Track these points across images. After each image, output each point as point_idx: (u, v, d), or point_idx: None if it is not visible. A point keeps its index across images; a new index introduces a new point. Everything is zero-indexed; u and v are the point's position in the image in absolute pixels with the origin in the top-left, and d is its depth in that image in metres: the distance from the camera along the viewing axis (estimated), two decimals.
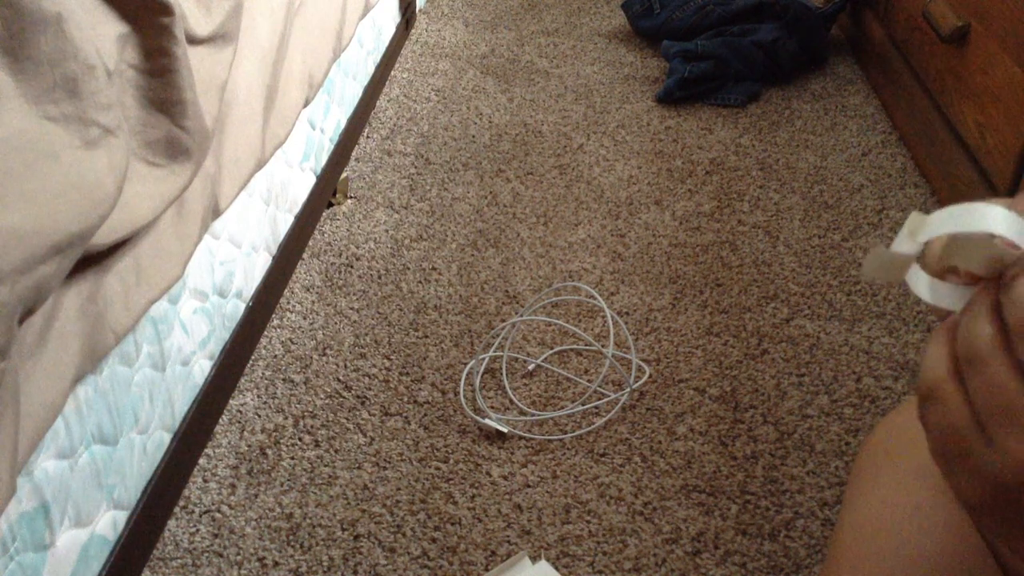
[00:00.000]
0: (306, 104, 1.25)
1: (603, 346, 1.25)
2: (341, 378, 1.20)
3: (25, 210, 0.60)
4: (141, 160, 0.79)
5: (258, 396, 1.17)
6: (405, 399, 1.17)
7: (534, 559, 0.97)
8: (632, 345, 1.25)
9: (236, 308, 1.09)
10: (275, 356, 1.24)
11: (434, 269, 1.40)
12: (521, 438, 1.12)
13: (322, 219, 1.51)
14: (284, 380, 1.20)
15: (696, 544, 0.99)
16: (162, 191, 0.80)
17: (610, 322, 1.29)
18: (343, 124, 1.52)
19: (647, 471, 1.07)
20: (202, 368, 1.01)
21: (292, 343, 1.26)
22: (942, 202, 1.53)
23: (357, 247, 1.45)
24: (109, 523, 0.82)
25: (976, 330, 0.33)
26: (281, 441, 1.11)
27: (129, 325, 0.78)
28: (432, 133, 1.77)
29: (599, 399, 1.17)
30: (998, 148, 1.33)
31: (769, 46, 1.92)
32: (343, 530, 1.00)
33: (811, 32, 1.97)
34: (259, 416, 1.14)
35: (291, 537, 1.00)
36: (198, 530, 1.00)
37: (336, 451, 1.10)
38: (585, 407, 1.16)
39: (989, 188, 1.36)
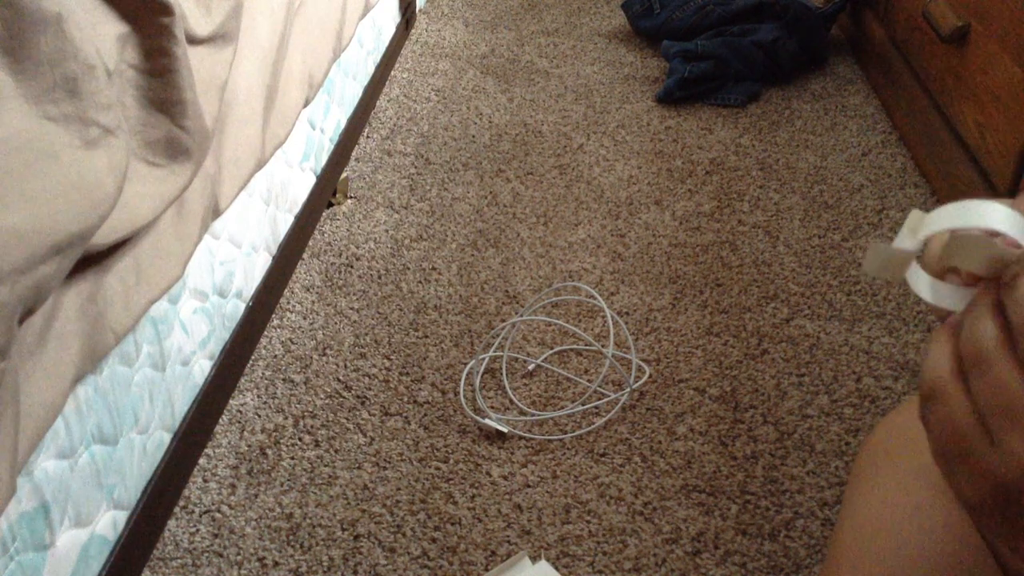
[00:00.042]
0: (306, 104, 1.25)
1: (603, 346, 1.25)
2: (341, 378, 1.20)
3: (25, 210, 0.60)
4: (141, 160, 0.79)
5: (258, 396, 1.17)
6: (405, 399, 1.17)
7: (534, 559, 0.97)
8: (632, 345, 1.25)
9: (236, 308, 1.09)
10: (275, 356, 1.24)
11: (434, 269, 1.40)
12: (521, 438, 1.12)
13: (322, 219, 1.51)
14: (284, 380, 1.20)
15: (696, 544, 0.99)
16: (162, 191, 0.80)
17: (610, 322, 1.29)
18: (343, 124, 1.52)
19: (647, 471, 1.07)
20: (202, 368, 1.01)
21: (292, 343, 1.26)
22: (942, 202, 1.53)
23: (357, 247, 1.45)
24: (109, 523, 0.82)
25: (980, 330, 0.33)
26: (281, 441, 1.11)
27: (129, 325, 0.78)
28: (432, 133, 1.77)
29: (599, 399, 1.17)
30: (998, 148, 1.33)
31: (769, 46, 1.92)
32: (343, 530, 1.00)
33: (811, 32, 1.97)
34: (259, 416, 1.14)
35: (291, 537, 1.00)
36: (198, 530, 1.00)
37: (336, 451, 1.10)
38: (585, 407, 1.16)
39: (989, 188, 1.36)
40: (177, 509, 1.02)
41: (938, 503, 0.50)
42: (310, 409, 1.15)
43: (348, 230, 1.49)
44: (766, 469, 1.07)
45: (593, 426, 1.13)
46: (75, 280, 0.72)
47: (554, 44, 2.16)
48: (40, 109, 0.64)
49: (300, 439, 1.11)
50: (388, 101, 1.89)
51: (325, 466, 1.08)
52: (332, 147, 1.46)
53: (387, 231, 1.49)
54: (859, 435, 1.11)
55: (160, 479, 0.90)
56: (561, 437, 1.12)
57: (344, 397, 1.17)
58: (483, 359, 1.23)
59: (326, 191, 1.44)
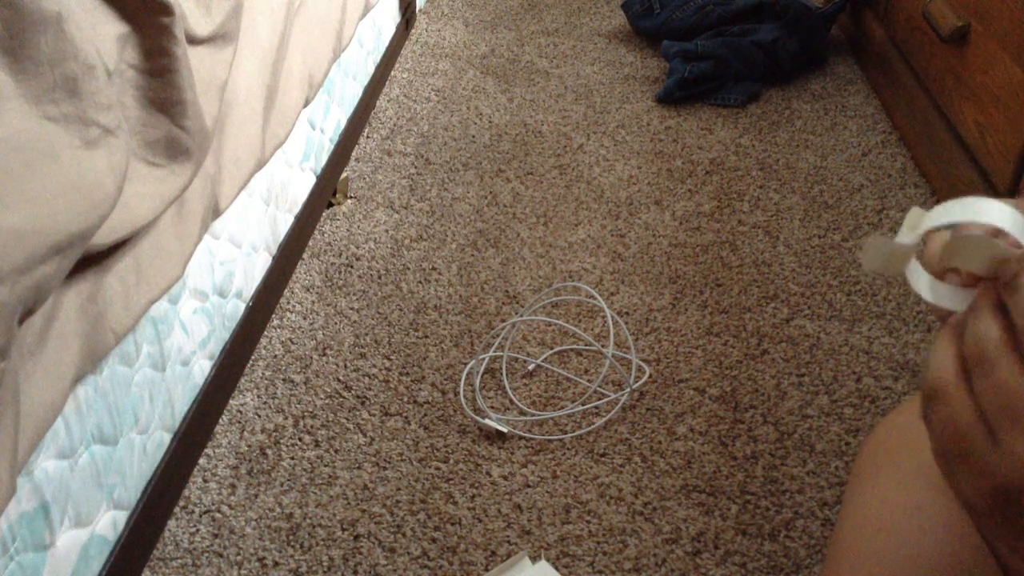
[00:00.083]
0: (306, 104, 1.25)
1: (603, 346, 1.25)
2: (341, 378, 1.20)
3: (25, 210, 0.60)
4: (141, 160, 0.79)
5: (258, 396, 1.17)
6: (405, 399, 1.17)
7: (534, 559, 0.97)
8: (632, 345, 1.25)
9: (236, 308, 1.09)
10: (275, 356, 1.24)
11: (434, 269, 1.40)
12: (521, 438, 1.12)
13: (322, 219, 1.51)
14: (284, 380, 1.20)
15: (696, 544, 0.99)
16: (162, 191, 0.80)
17: (610, 322, 1.29)
18: (343, 124, 1.52)
19: (647, 471, 1.07)
20: (202, 368, 1.01)
21: (292, 343, 1.26)
22: (942, 202, 1.53)
23: (357, 247, 1.45)
24: (109, 523, 0.82)
25: (983, 331, 0.33)
26: (281, 441, 1.11)
27: (129, 325, 0.78)
28: (432, 133, 1.77)
29: (599, 399, 1.17)
30: (998, 148, 1.33)
31: (769, 46, 1.92)
32: (343, 530, 1.00)
33: (811, 32, 1.97)
34: (259, 416, 1.14)
35: (291, 537, 1.00)
36: (198, 530, 1.00)
37: (336, 451, 1.10)
38: (585, 407, 1.16)
39: (989, 188, 1.36)
40: (177, 509, 1.02)
41: (938, 503, 0.50)
42: (310, 409, 1.15)
43: (348, 230, 1.49)
44: (766, 469, 1.07)
45: (593, 426, 1.13)
46: (75, 280, 0.72)
47: (554, 44, 2.16)
48: (40, 109, 0.64)
49: (300, 439, 1.11)
50: (388, 101, 1.89)
51: (325, 466, 1.08)
52: (332, 147, 1.46)
53: (387, 231, 1.49)
54: (859, 435, 1.11)
55: (160, 479, 0.90)
56: (561, 437, 1.12)
57: (344, 397, 1.17)
58: (483, 359, 1.23)
59: (326, 191, 1.44)
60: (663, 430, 1.13)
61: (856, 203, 1.55)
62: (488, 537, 1.00)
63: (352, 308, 1.32)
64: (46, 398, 0.67)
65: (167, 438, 0.93)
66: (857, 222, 1.50)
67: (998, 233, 0.35)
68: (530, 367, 1.22)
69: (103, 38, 0.73)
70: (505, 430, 1.11)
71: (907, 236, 0.37)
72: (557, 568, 0.96)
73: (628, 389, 1.18)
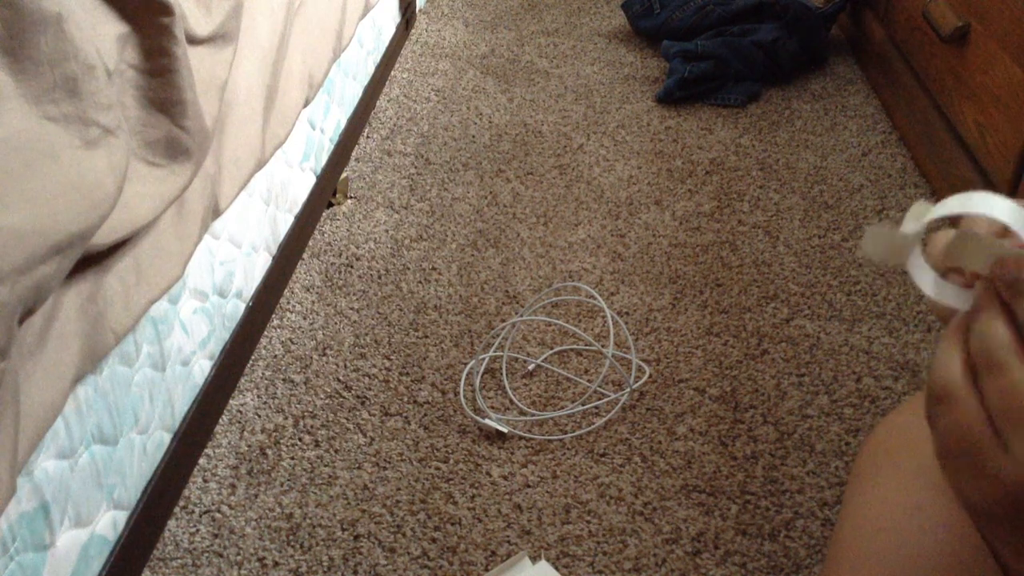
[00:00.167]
0: (306, 104, 1.25)
1: (603, 346, 1.25)
2: (341, 378, 1.20)
3: (25, 210, 0.60)
4: (141, 160, 0.79)
5: (258, 396, 1.17)
6: (405, 399, 1.17)
7: (534, 559, 0.97)
8: (632, 345, 1.25)
9: (236, 308, 1.09)
10: (275, 356, 1.24)
11: (434, 269, 1.40)
12: (521, 438, 1.12)
13: (322, 219, 1.51)
14: (284, 380, 1.20)
15: (696, 544, 0.99)
16: (162, 191, 0.80)
17: (610, 322, 1.29)
18: (343, 124, 1.52)
19: (647, 471, 1.07)
20: (202, 368, 1.01)
21: (292, 343, 1.26)
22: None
23: (357, 247, 1.45)
24: (109, 523, 0.82)
25: (991, 333, 0.32)
26: (281, 441, 1.11)
27: (129, 325, 0.78)
28: (432, 133, 1.77)
29: (599, 399, 1.17)
30: (998, 148, 1.33)
31: (769, 46, 1.92)
32: (343, 530, 1.00)
33: (811, 32, 1.97)
34: (259, 416, 1.14)
35: (291, 537, 1.00)
36: (198, 530, 1.00)
37: (336, 451, 1.10)
38: (585, 407, 1.16)
39: (989, 188, 1.36)
40: (177, 509, 1.02)
41: (938, 503, 0.50)
42: (310, 409, 1.15)
43: (348, 230, 1.49)
44: (766, 469, 1.07)
45: (593, 426, 1.13)
46: (75, 280, 0.72)
47: (554, 44, 2.16)
48: (40, 109, 0.64)
49: (300, 439, 1.11)
50: (388, 101, 1.89)
51: (325, 466, 1.08)
52: (332, 147, 1.46)
53: (387, 231, 1.49)
54: (859, 435, 1.11)
55: (160, 479, 0.90)
56: (561, 437, 1.12)
57: (344, 397, 1.17)
58: (483, 359, 1.23)
59: (326, 191, 1.44)
60: (663, 430, 1.13)
61: (856, 203, 1.55)
62: (488, 537, 1.00)
63: (352, 308, 1.32)
64: (46, 398, 0.67)
65: (167, 438, 0.93)
66: (857, 222, 1.50)
67: (1004, 232, 0.35)
68: (530, 367, 1.22)
69: (103, 38, 0.73)
70: (505, 430, 1.11)
71: (911, 226, 0.37)
72: (557, 568, 0.96)
73: (628, 389, 1.17)
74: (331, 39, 1.35)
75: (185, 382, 0.96)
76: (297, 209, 1.30)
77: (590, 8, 2.37)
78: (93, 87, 0.68)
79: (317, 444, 1.11)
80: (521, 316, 1.30)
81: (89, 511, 0.77)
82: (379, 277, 1.39)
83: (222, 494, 1.04)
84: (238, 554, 0.98)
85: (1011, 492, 0.32)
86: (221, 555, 0.98)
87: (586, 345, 1.26)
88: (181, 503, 1.03)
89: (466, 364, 1.22)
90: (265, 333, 1.27)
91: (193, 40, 0.86)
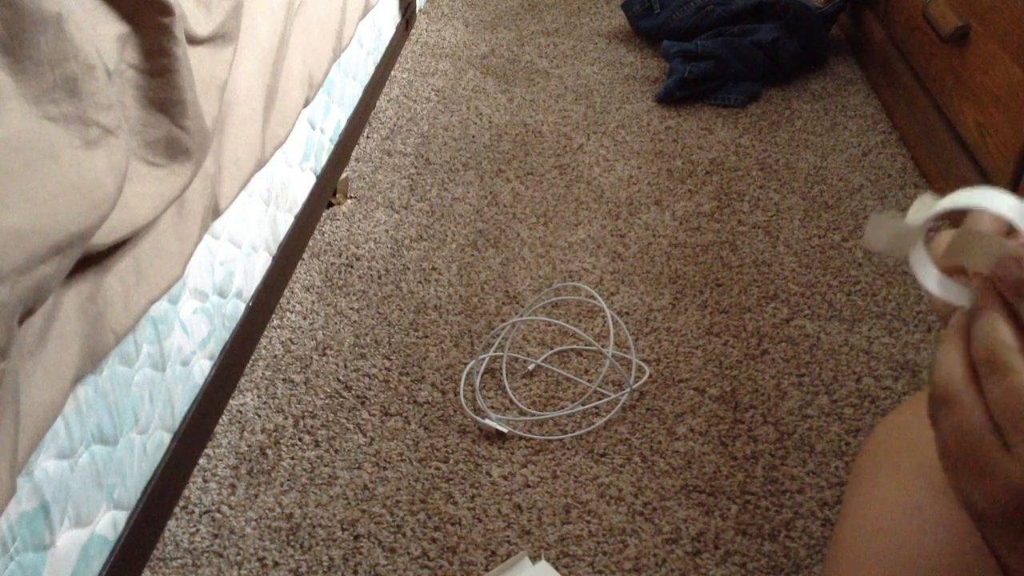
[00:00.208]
0: (306, 104, 1.25)
1: (603, 346, 1.25)
2: (341, 378, 1.20)
3: (25, 210, 0.60)
4: (141, 160, 0.79)
5: (258, 396, 1.17)
6: (405, 399, 1.17)
7: (534, 559, 0.97)
8: (632, 345, 1.25)
9: (236, 308, 1.09)
10: (275, 356, 1.24)
11: (434, 269, 1.40)
12: (521, 438, 1.12)
13: (322, 219, 1.51)
14: (284, 380, 1.20)
15: (696, 544, 0.99)
16: (162, 191, 0.80)
17: (610, 322, 1.29)
18: (343, 124, 1.52)
19: (647, 471, 1.07)
20: (202, 368, 1.01)
21: (292, 343, 1.26)
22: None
23: (357, 247, 1.45)
24: (109, 523, 0.82)
25: (993, 334, 0.32)
26: (281, 441, 1.11)
27: (129, 325, 0.78)
28: (432, 133, 1.77)
29: (599, 399, 1.17)
30: (998, 148, 1.33)
31: (769, 46, 1.92)
32: (343, 530, 1.00)
33: (811, 32, 1.97)
34: (259, 416, 1.14)
35: (291, 537, 1.00)
36: (198, 530, 1.00)
37: (336, 451, 1.10)
38: (585, 407, 1.16)
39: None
40: (177, 509, 1.02)
41: (938, 503, 0.50)
42: (310, 409, 1.15)
43: (348, 230, 1.49)
44: (766, 469, 1.07)
45: (593, 426, 1.13)
46: (75, 280, 0.72)
47: (554, 44, 2.16)
48: (40, 109, 0.64)
49: (300, 439, 1.11)
50: (388, 101, 1.89)
51: (325, 466, 1.08)
52: (332, 147, 1.46)
53: (387, 231, 1.49)
54: (859, 435, 1.11)
55: (160, 479, 0.90)
56: (561, 437, 1.12)
57: (344, 397, 1.17)
58: (483, 359, 1.23)
59: (326, 191, 1.44)
60: (663, 430, 1.13)
61: (856, 203, 1.55)
62: (488, 537, 1.00)
63: (352, 308, 1.32)
64: (46, 398, 0.67)
65: (167, 438, 0.93)
66: (857, 222, 1.50)
67: (1008, 231, 0.34)
68: (530, 367, 1.22)
69: (103, 38, 0.73)
70: (505, 430, 1.11)
71: (915, 217, 0.36)
72: (557, 568, 0.96)
73: (628, 389, 1.17)
74: (331, 39, 1.35)
75: (185, 382, 0.96)
76: (297, 209, 1.30)
77: (590, 8, 2.37)
78: (93, 87, 0.68)
79: (317, 444, 1.11)
80: (521, 316, 1.30)
81: (89, 511, 0.77)
82: (379, 277, 1.39)
83: (222, 494, 1.04)
84: (238, 554, 0.98)
85: (1014, 493, 0.32)
86: (221, 555, 0.98)
87: (586, 345, 1.26)
88: (181, 503, 1.03)
89: (466, 364, 1.22)
90: (265, 333, 1.27)
91: (193, 40, 0.86)
